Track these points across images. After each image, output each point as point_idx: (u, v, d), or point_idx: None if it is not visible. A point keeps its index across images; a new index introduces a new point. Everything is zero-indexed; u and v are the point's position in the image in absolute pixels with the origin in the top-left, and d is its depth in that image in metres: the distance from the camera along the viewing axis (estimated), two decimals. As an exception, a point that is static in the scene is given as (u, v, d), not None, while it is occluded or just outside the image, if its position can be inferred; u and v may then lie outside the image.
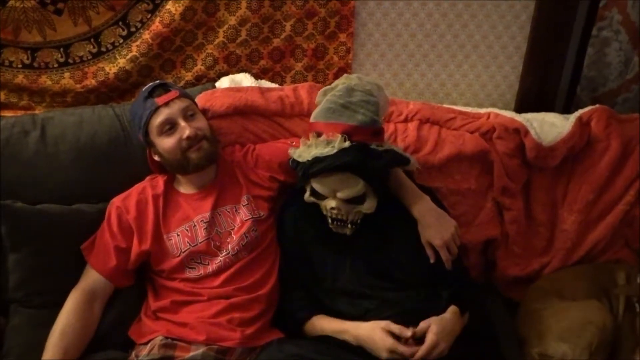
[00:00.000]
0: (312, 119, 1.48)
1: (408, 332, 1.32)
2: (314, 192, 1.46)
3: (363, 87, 1.46)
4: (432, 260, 1.47)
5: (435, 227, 1.47)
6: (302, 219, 1.55)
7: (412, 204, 1.51)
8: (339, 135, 1.39)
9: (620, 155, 1.79)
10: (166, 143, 1.48)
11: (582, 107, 1.90)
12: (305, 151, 1.45)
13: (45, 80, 1.83)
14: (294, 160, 1.48)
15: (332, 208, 1.44)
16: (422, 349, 1.30)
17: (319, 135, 1.43)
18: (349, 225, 1.46)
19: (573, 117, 1.84)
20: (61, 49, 1.82)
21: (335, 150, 1.38)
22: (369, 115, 1.43)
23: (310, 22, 1.92)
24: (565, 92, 2.10)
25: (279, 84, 1.94)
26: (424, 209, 1.50)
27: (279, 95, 1.76)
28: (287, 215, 1.59)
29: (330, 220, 1.47)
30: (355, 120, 1.41)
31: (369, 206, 1.45)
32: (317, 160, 1.40)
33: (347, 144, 1.38)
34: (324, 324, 1.45)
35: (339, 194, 1.42)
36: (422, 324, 1.33)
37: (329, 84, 1.96)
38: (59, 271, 1.49)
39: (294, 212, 1.58)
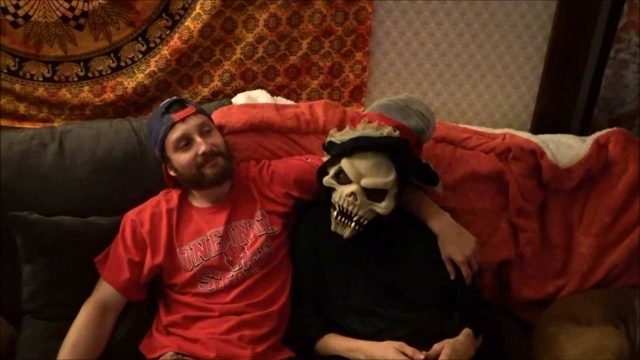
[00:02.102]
0: (365, 112, 1.57)
1: (421, 356, 1.30)
2: (337, 175, 1.43)
3: (423, 105, 1.57)
4: (452, 277, 1.46)
5: (456, 243, 1.46)
6: (316, 236, 1.54)
7: (432, 219, 1.50)
8: (390, 127, 1.44)
9: (637, 178, 1.77)
10: (182, 159, 1.49)
11: (598, 129, 1.88)
12: (349, 133, 1.46)
13: (65, 94, 1.86)
14: (330, 142, 1.46)
15: (349, 194, 1.38)
16: None
17: (369, 121, 1.47)
18: (352, 224, 1.41)
19: (590, 139, 1.82)
20: (81, 63, 1.85)
21: (384, 134, 1.41)
22: (421, 124, 1.51)
23: (326, 40, 1.94)
24: (581, 113, 2.09)
25: (295, 101, 1.95)
26: (444, 225, 1.49)
27: (295, 113, 1.77)
28: (300, 232, 1.58)
29: (335, 214, 1.42)
30: (408, 123, 1.49)
31: (385, 206, 1.40)
32: (361, 138, 1.41)
33: (397, 132, 1.43)
34: (336, 343, 1.44)
35: (364, 180, 1.39)
36: (436, 346, 1.32)
37: (344, 102, 2.01)
38: (73, 283, 1.50)
39: (307, 229, 1.57)
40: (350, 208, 1.39)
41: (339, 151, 1.41)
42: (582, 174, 1.77)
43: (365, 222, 1.41)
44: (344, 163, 1.41)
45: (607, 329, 1.54)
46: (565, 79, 2.01)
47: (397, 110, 1.51)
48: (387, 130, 1.41)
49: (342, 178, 1.42)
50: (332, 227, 1.43)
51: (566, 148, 1.81)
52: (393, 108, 1.51)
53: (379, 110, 1.53)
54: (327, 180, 1.44)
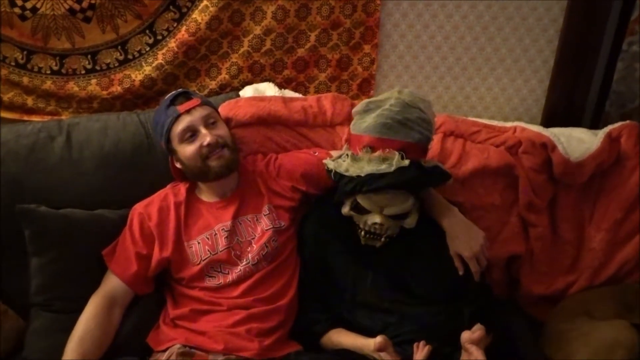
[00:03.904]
0: (360, 132, 1.42)
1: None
2: (356, 207, 1.43)
3: (417, 103, 1.42)
4: (460, 272, 1.45)
5: (464, 239, 1.45)
6: (324, 230, 1.54)
7: (441, 215, 1.49)
8: (396, 153, 1.36)
9: (650, 172, 1.75)
10: (187, 150, 1.48)
11: (610, 123, 1.86)
12: (353, 165, 1.40)
13: (73, 87, 1.86)
14: (336, 173, 1.43)
15: (375, 223, 1.41)
16: None
17: (372, 149, 1.39)
18: (382, 239, 1.44)
19: (602, 133, 1.80)
20: (89, 56, 1.85)
21: (393, 168, 1.35)
22: (425, 133, 1.41)
23: (335, 33, 1.92)
24: (593, 107, 2.06)
25: (303, 94, 1.94)
26: (453, 221, 1.48)
27: (302, 106, 1.76)
28: (308, 226, 1.58)
29: (363, 233, 1.44)
30: (412, 138, 1.39)
31: (411, 221, 1.43)
32: (373, 177, 1.36)
33: (405, 162, 1.36)
34: (341, 338, 1.44)
35: (386, 210, 1.40)
36: (477, 331, 1.28)
37: (353, 95, 1.99)
38: (80, 276, 1.50)
39: (315, 223, 1.57)
40: (378, 231, 1.42)
41: (351, 189, 1.39)
42: (594, 168, 1.75)
43: (394, 235, 1.44)
44: (361, 199, 1.41)
45: (619, 323, 1.51)
46: (577, 72, 1.98)
47: (398, 127, 1.38)
48: (395, 160, 1.35)
49: (361, 209, 1.43)
50: (363, 242, 1.45)
51: (577, 142, 1.78)
52: (392, 127, 1.37)
53: (378, 133, 1.38)
54: (347, 212, 1.45)
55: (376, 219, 1.40)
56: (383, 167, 1.35)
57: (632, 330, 1.48)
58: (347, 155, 1.43)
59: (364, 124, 1.42)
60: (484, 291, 1.50)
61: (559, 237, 1.79)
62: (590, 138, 1.80)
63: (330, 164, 1.46)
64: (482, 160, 1.73)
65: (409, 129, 1.39)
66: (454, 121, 1.82)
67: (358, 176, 1.37)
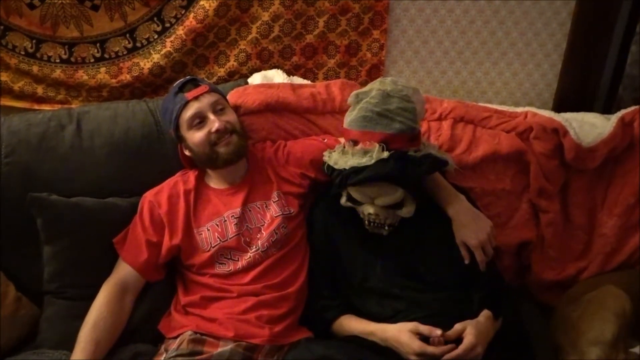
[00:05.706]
0: (346, 125, 1.45)
1: (438, 331, 1.29)
2: (351, 198, 1.45)
3: (399, 92, 1.40)
4: (466, 261, 1.44)
5: (471, 227, 1.44)
6: (333, 217, 1.54)
7: (447, 203, 1.48)
8: (377, 145, 1.37)
9: (664, 158, 1.73)
10: (196, 137, 1.49)
11: (623, 107, 1.84)
12: (341, 159, 1.43)
13: (82, 75, 1.87)
14: (329, 166, 1.46)
15: (370, 214, 1.42)
16: (460, 349, 1.27)
17: (354, 143, 1.41)
18: (386, 227, 1.44)
19: (614, 118, 1.78)
20: (97, 44, 1.85)
21: (373, 161, 1.35)
22: (407, 123, 1.39)
23: (343, 18, 1.91)
24: (606, 91, 2.04)
25: (311, 81, 1.94)
26: (459, 209, 1.47)
27: (311, 92, 1.75)
28: (317, 213, 1.58)
29: (367, 223, 1.45)
30: (393, 129, 1.38)
31: (407, 211, 1.43)
32: (355, 170, 1.38)
33: (385, 154, 1.36)
34: (352, 325, 1.44)
35: (377, 201, 1.41)
36: (457, 326, 1.31)
37: (362, 81, 1.98)
38: (93, 264, 1.51)
39: (324, 210, 1.57)
40: (377, 221, 1.43)
41: (339, 182, 1.42)
42: (606, 153, 1.73)
43: (397, 224, 1.45)
44: (352, 191, 1.43)
45: (607, 290, 1.53)
46: (590, 56, 1.96)
47: (377, 120, 1.38)
48: (375, 153, 1.36)
49: (356, 200, 1.44)
50: (369, 230, 1.46)
51: (590, 127, 1.76)
52: (372, 119, 1.38)
53: (359, 127, 1.40)
54: (344, 203, 1.47)
55: (369, 209, 1.42)
56: (364, 160, 1.37)
57: (622, 296, 1.49)
58: (338, 149, 1.46)
59: (349, 117, 1.43)
60: (494, 277, 1.50)
61: (570, 223, 1.78)
62: (603, 123, 1.78)
63: (325, 156, 1.49)
64: (493, 146, 1.72)
65: (390, 120, 1.38)
66: (464, 107, 1.80)
67: (344, 169, 1.40)
